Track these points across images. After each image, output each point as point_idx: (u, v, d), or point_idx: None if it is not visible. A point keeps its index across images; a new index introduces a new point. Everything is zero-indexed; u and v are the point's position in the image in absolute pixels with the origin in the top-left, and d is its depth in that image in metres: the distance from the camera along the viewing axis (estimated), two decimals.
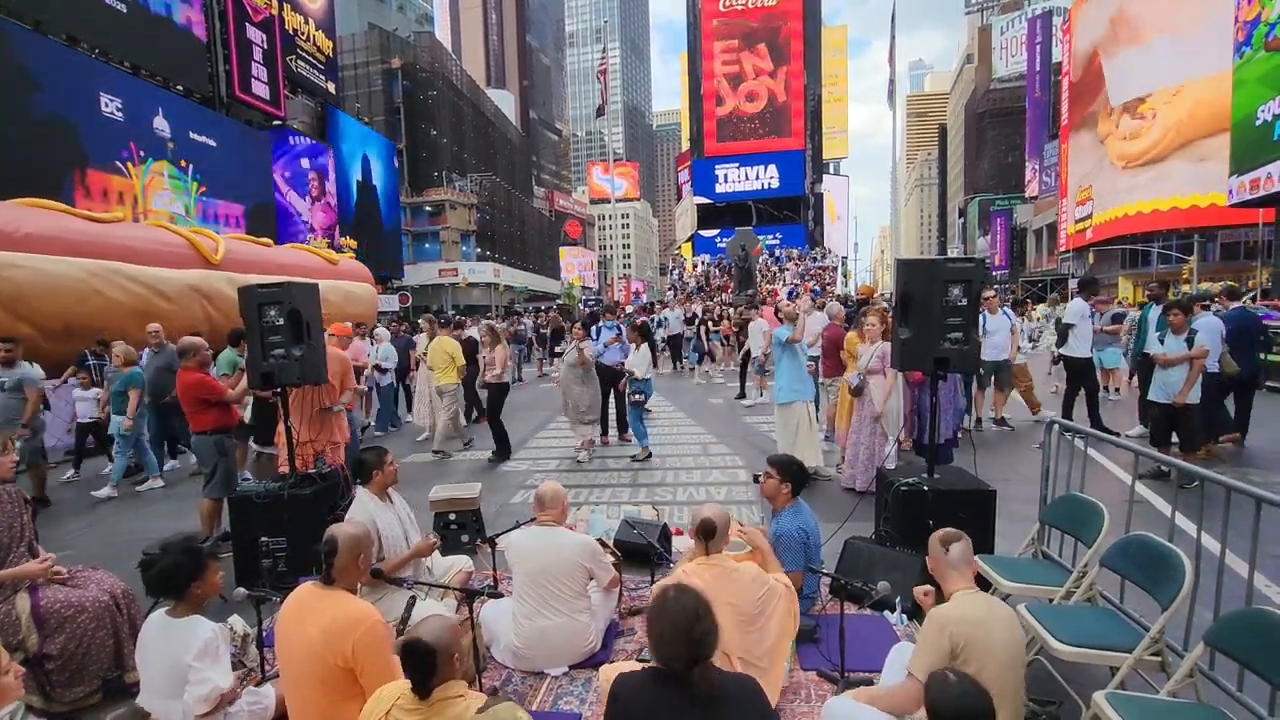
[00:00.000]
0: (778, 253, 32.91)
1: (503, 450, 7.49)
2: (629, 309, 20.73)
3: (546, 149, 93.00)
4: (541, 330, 18.52)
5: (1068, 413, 7.26)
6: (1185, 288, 24.45)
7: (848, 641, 2.67)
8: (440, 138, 51.15)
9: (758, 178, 38.78)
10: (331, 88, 31.32)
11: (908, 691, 2.06)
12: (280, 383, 4.08)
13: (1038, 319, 17.25)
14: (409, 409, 9.59)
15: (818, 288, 26.02)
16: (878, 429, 5.42)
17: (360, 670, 2.16)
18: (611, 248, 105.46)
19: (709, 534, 2.71)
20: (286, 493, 4.00)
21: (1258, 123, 17.85)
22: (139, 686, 2.44)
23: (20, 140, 14.84)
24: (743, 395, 10.65)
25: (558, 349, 15.56)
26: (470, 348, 8.93)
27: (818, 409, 7.02)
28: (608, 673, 2.15)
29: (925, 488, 3.66)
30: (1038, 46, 51.65)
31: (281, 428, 4.40)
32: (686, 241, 44.79)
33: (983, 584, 3.09)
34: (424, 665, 1.73)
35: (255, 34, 23.82)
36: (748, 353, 10.56)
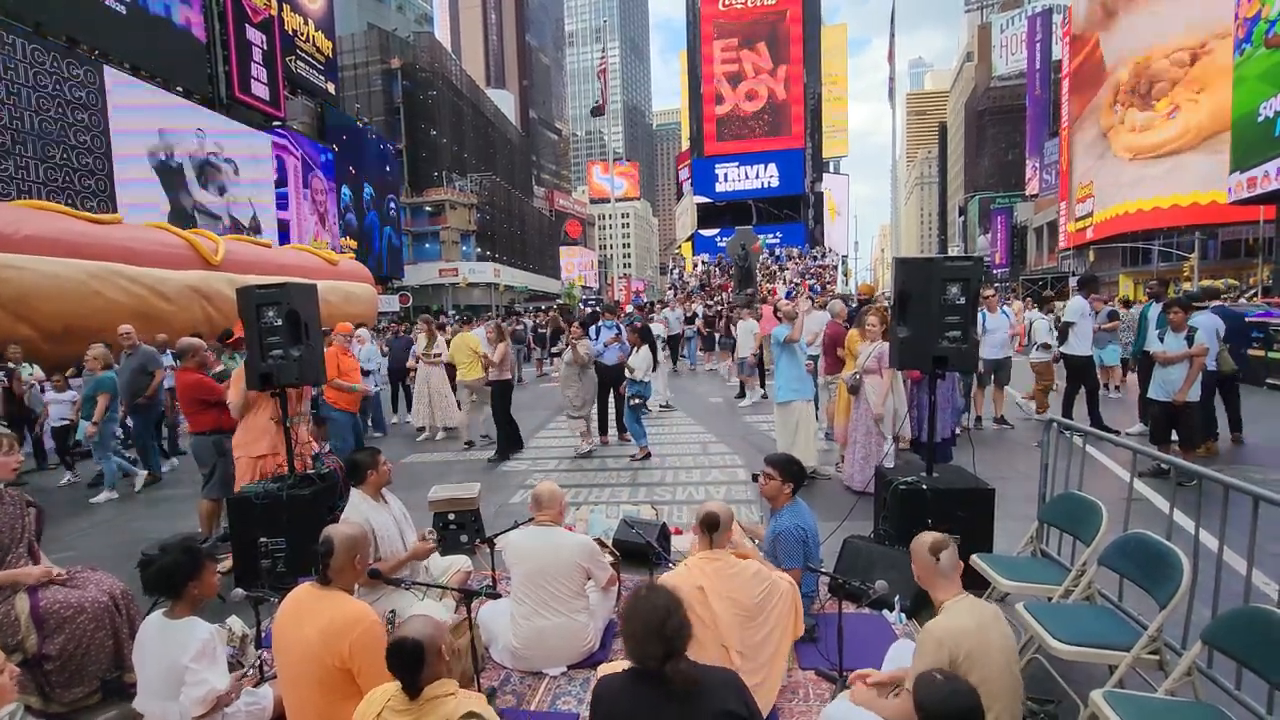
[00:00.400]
0: (778, 251, 32.86)
1: (513, 445, 7.60)
2: (629, 309, 20.72)
3: (546, 149, 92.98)
4: (540, 330, 18.51)
5: (1068, 411, 7.25)
6: (1186, 285, 24.39)
7: (846, 640, 2.66)
8: (440, 138, 51.13)
9: (757, 177, 38.71)
10: (331, 88, 31.33)
11: (905, 708, 2.05)
12: (279, 383, 4.08)
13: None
14: (409, 409, 9.60)
15: (817, 286, 26.00)
16: (874, 429, 5.43)
17: (358, 671, 2.17)
18: (611, 247, 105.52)
19: (712, 526, 2.73)
20: (285, 494, 4.00)
21: (1259, 119, 17.83)
22: (137, 687, 2.44)
23: None
24: (742, 395, 10.66)
25: (554, 349, 15.58)
26: None
27: (817, 408, 7.02)
28: (605, 672, 2.15)
29: (924, 486, 3.66)
30: (1038, 44, 51.52)
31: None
32: (686, 241, 44.75)
33: (982, 583, 3.10)
34: (412, 663, 1.73)
35: (255, 35, 23.83)
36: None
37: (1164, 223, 30.61)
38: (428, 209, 49.77)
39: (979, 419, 7.98)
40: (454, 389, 8.59)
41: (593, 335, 7.79)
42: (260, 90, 24.32)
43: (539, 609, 2.98)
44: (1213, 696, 2.29)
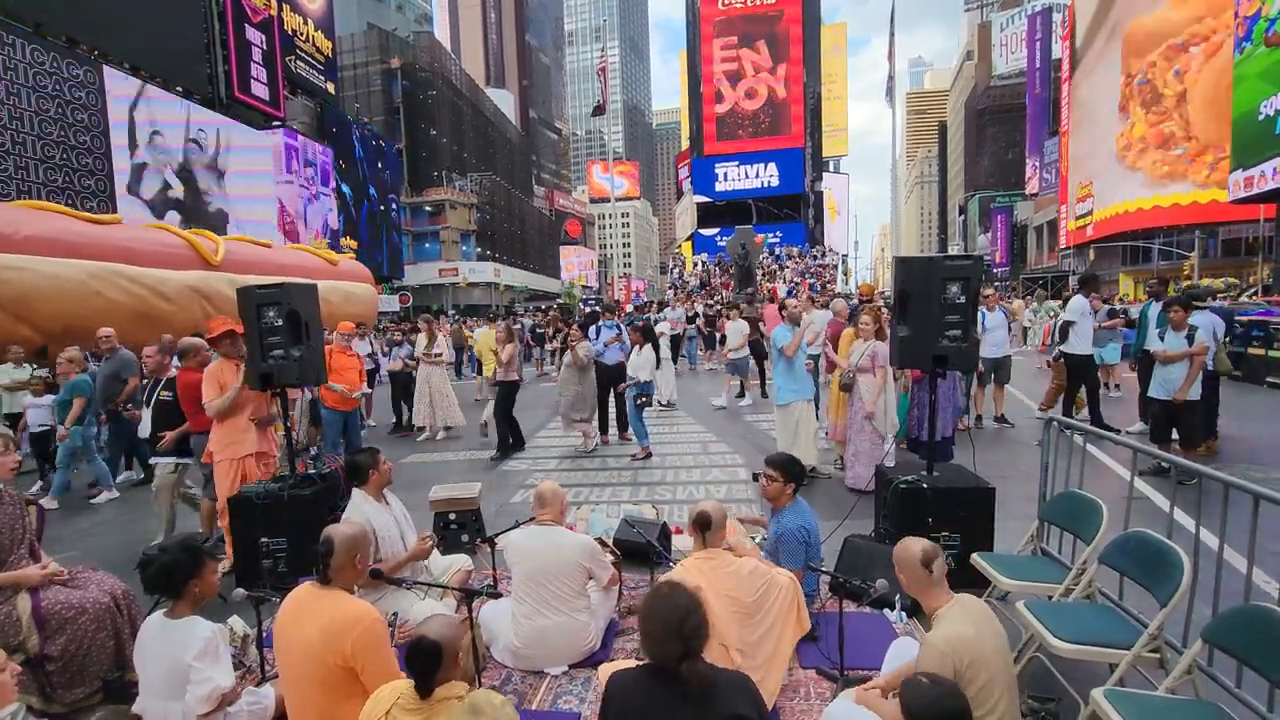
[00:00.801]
0: (778, 251, 32.86)
1: (515, 445, 7.64)
2: (629, 309, 20.72)
3: (546, 148, 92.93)
4: (539, 330, 18.51)
5: (1068, 410, 7.24)
6: (1186, 284, 24.38)
7: (847, 639, 2.66)
8: (440, 137, 51.11)
9: (757, 176, 38.71)
10: (331, 88, 31.30)
11: None
12: (279, 383, 4.08)
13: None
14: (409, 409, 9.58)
15: (817, 286, 25.99)
16: (869, 427, 5.46)
17: (361, 669, 2.17)
18: (611, 247, 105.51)
19: (704, 525, 2.76)
20: (286, 493, 4.00)
21: (1259, 118, 17.82)
22: (139, 687, 2.44)
23: None
24: (742, 395, 10.67)
25: (549, 346, 15.61)
26: None
27: (818, 407, 7.02)
28: (607, 672, 2.15)
29: (925, 485, 3.66)
30: (1038, 43, 51.48)
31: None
32: (686, 240, 44.73)
33: (983, 582, 3.10)
34: (429, 662, 1.74)
35: (254, 35, 23.80)
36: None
37: (1164, 221, 30.58)
38: (428, 209, 49.76)
39: (979, 418, 7.98)
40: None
41: (592, 335, 7.78)
42: (260, 90, 24.29)
43: (540, 608, 2.98)
44: (1213, 695, 2.30)
